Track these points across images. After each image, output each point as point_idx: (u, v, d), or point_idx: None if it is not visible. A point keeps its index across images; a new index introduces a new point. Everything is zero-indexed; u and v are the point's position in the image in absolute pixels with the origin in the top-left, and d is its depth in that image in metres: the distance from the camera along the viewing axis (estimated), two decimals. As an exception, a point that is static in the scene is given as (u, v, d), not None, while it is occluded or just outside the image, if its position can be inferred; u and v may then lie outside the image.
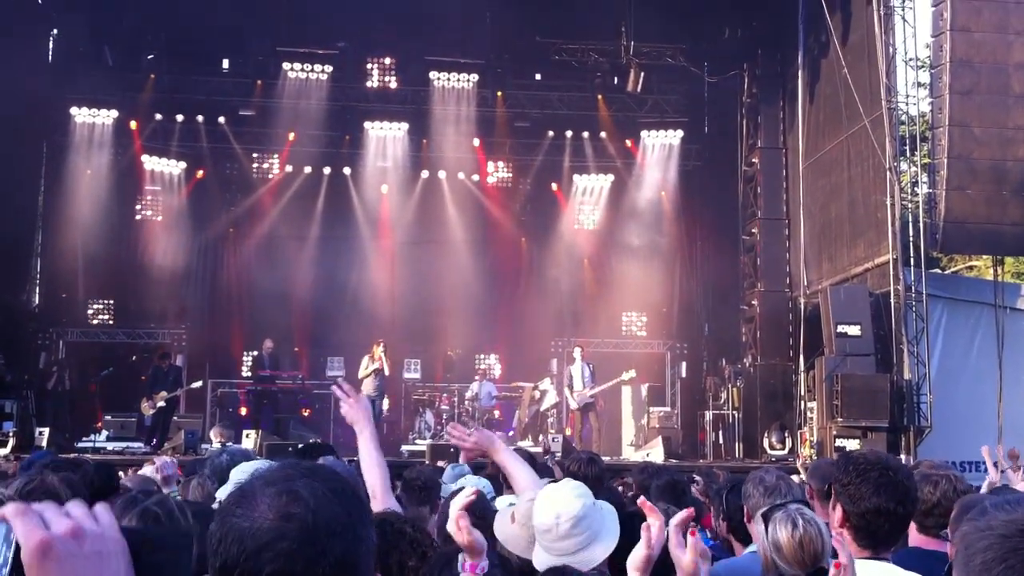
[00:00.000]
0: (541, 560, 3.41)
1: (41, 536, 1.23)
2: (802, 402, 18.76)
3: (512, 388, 21.70)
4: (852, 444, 15.44)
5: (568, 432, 18.57)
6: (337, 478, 1.58)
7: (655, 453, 17.48)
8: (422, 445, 17.82)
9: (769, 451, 17.98)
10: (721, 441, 19.54)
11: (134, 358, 21.54)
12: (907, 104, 17.95)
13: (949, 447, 15.61)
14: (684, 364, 22.91)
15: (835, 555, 3.39)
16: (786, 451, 17.63)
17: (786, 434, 18.17)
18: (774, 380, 19.58)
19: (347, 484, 1.58)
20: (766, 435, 18.36)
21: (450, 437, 4.49)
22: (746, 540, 4.50)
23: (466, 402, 20.35)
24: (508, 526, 3.72)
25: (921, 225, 16.61)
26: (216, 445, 14.34)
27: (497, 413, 20.61)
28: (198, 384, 19.11)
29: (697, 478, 8.35)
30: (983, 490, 5.93)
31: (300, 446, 13.76)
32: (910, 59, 18.12)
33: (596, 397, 18.22)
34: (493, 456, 4.40)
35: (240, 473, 4.27)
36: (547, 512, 3.39)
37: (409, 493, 5.98)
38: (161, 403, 17.13)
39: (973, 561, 1.62)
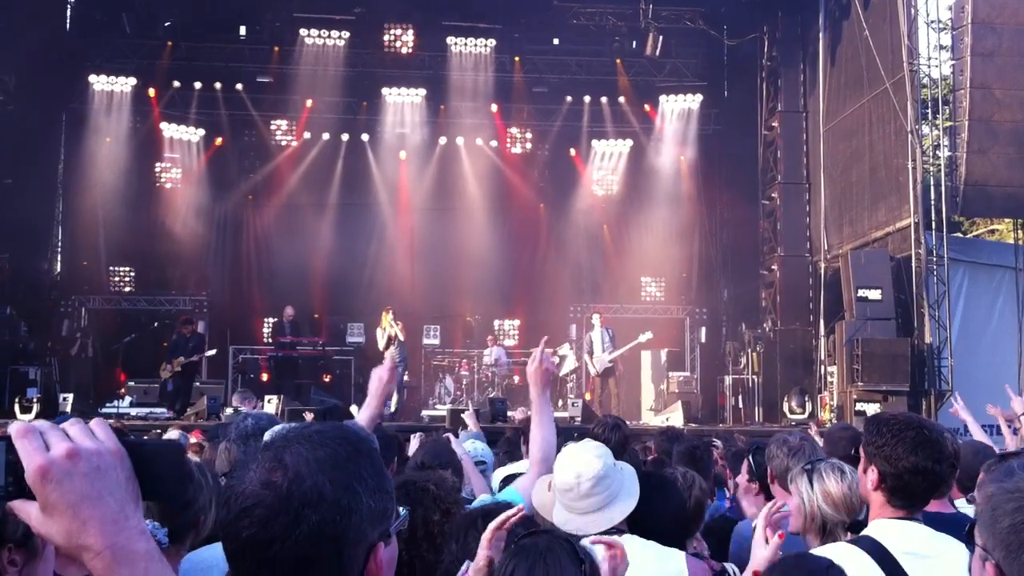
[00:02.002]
0: (561, 518, 3.49)
1: (39, 462, 1.32)
2: (822, 367, 18.74)
3: (531, 354, 21.72)
4: (872, 408, 15.41)
5: (588, 397, 18.61)
6: (340, 445, 1.57)
7: (675, 418, 17.50)
8: (442, 410, 17.89)
9: (789, 415, 17.97)
10: (741, 405, 19.55)
11: (155, 325, 21.65)
12: (929, 66, 17.83)
13: (970, 411, 15.54)
14: (704, 329, 22.90)
15: (864, 510, 3.43)
16: (806, 415, 17.61)
17: (806, 398, 18.15)
18: (794, 345, 19.54)
19: (348, 452, 1.57)
20: (786, 399, 18.35)
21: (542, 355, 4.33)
22: (769, 499, 4.53)
23: (485, 367, 20.42)
24: (545, 494, 3.80)
25: (943, 188, 16.51)
26: (228, 411, 14.45)
27: (516, 379, 20.67)
28: (212, 352, 19.24)
29: (717, 442, 8.37)
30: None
31: (319, 410, 13.88)
32: (932, 21, 17.94)
33: (616, 362, 18.23)
34: (534, 397, 4.33)
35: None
36: (568, 471, 3.48)
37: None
38: (178, 368, 17.23)
39: (1000, 523, 1.62)
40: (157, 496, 1.46)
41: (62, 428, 1.38)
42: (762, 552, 3.05)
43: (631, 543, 3.45)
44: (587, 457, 3.51)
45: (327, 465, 1.53)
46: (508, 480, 4.79)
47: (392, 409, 17.79)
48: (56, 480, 1.32)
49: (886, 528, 3.10)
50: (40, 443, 1.34)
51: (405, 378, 19.00)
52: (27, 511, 1.35)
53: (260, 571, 1.49)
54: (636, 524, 3.58)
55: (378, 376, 4.24)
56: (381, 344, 18.05)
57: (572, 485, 3.45)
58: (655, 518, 3.66)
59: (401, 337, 17.99)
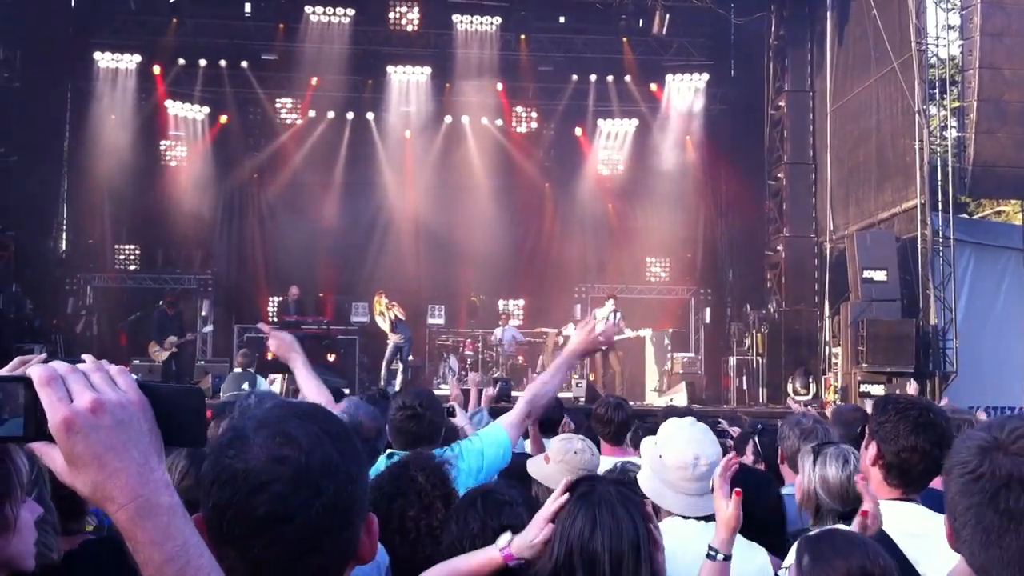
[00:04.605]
0: (656, 492, 3.44)
1: (64, 413, 1.31)
2: (827, 348, 18.73)
3: (536, 334, 21.74)
4: (877, 389, 15.42)
5: (592, 377, 18.62)
6: (331, 419, 1.58)
7: (679, 398, 17.51)
8: (446, 390, 17.89)
9: (793, 396, 17.98)
10: (745, 387, 19.54)
11: (161, 303, 21.70)
12: (937, 46, 17.69)
13: (975, 392, 15.59)
14: (708, 310, 22.88)
15: (858, 501, 3.43)
16: (810, 396, 17.62)
17: (810, 379, 18.15)
18: (799, 326, 19.52)
19: (341, 425, 1.58)
20: (790, 380, 18.35)
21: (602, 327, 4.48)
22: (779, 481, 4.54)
23: (490, 347, 20.42)
24: (543, 466, 3.81)
25: (950, 169, 16.44)
26: (237, 370, 14.44)
27: (521, 358, 20.67)
28: (208, 329, 19.21)
29: (722, 422, 8.35)
30: None
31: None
32: (940, 0, 17.81)
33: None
34: (569, 355, 4.40)
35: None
36: (686, 451, 3.43)
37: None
38: (174, 349, 17.22)
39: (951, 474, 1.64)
40: (178, 442, 1.44)
41: (83, 372, 1.36)
42: (730, 510, 3.04)
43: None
44: (706, 442, 3.48)
45: (331, 436, 1.52)
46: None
47: (397, 388, 17.82)
48: (81, 432, 1.30)
49: (884, 509, 3.11)
50: (64, 392, 1.32)
51: (410, 358, 18.99)
52: (52, 456, 1.34)
53: (273, 549, 1.46)
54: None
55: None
56: (385, 327, 18.00)
57: (688, 465, 3.40)
58: (752, 514, 3.60)
59: (402, 316, 17.97)
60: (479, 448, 4.17)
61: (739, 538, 3.42)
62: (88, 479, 1.32)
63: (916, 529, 3.03)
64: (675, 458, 3.45)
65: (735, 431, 8.21)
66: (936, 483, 3.41)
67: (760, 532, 3.54)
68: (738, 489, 3.02)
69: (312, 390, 4.58)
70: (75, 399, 1.33)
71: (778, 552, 3.47)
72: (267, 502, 1.45)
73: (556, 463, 3.80)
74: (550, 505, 2.53)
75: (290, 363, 4.69)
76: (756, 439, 5.09)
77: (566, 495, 2.54)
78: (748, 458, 5.11)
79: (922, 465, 3.11)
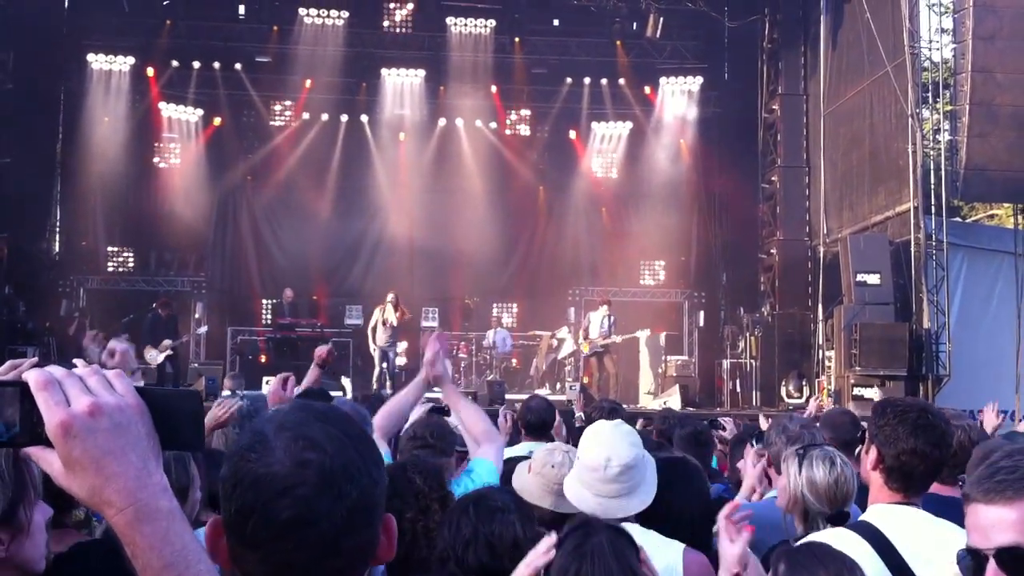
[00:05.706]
0: (575, 493, 3.46)
1: (61, 416, 1.30)
2: (820, 351, 18.74)
3: (530, 336, 21.74)
4: (870, 393, 15.44)
5: (586, 380, 18.61)
6: (349, 421, 1.57)
7: (672, 401, 17.49)
8: (439, 393, 17.83)
9: (787, 399, 18.00)
10: (739, 390, 19.54)
11: (154, 306, 21.65)
12: (930, 50, 17.73)
13: (967, 396, 15.57)
14: (702, 313, 22.86)
15: (846, 502, 3.43)
16: (803, 399, 17.62)
17: (804, 382, 18.16)
18: (792, 329, 19.54)
19: (359, 427, 1.58)
20: (783, 383, 18.37)
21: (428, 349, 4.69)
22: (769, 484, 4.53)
23: (484, 350, 20.40)
24: (525, 476, 3.79)
25: (943, 173, 16.47)
26: (225, 393, 14.42)
27: (515, 361, 20.65)
28: (203, 330, 19.20)
29: (725, 422, 8.29)
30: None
31: (304, 390, 13.84)
32: (933, 3, 17.88)
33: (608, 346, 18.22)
34: (443, 394, 4.71)
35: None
36: (598, 452, 3.43)
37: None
38: (168, 351, 17.19)
39: None
40: (175, 445, 1.43)
41: (79, 376, 1.35)
42: (733, 549, 2.97)
43: (630, 532, 3.41)
44: (621, 443, 3.46)
45: (351, 439, 1.52)
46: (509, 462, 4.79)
47: (389, 392, 17.78)
48: (79, 436, 1.29)
49: (884, 513, 3.10)
50: (60, 396, 1.31)
51: (404, 362, 18.96)
52: (49, 461, 1.33)
53: (297, 553, 1.45)
54: (656, 513, 3.50)
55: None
56: (370, 328, 17.89)
57: (599, 467, 3.39)
58: (675, 508, 3.58)
59: (394, 323, 17.88)
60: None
61: (654, 535, 3.39)
62: (85, 483, 1.30)
63: (917, 534, 3.03)
64: (589, 459, 3.45)
65: (727, 421, 8.22)
66: (936, 488, 3.42)
67: (679, 524, 3.53)
68: (749, 525, 2.97)
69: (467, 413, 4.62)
70: (72, 403, 1.31)
71: (700, 546, 3.43)
72: (291, 506, 1.43)
73: (535, 474, 3.77)
74: (535, 558, 2.55)
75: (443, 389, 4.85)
76: (753, 442, 5.08)
77: (552, 551, 2.54)
78: (750, 460, 5.10)
79: (923, 467, 3.11)
